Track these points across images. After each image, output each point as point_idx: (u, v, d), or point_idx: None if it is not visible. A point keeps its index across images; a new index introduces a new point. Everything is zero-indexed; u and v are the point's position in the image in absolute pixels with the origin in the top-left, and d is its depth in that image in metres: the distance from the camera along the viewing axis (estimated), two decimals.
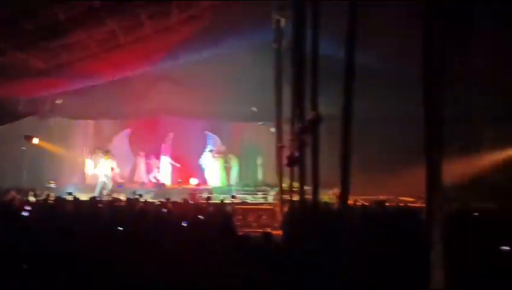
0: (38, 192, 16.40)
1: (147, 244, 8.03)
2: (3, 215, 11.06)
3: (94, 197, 14.75)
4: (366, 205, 13.60)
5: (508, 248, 6.95)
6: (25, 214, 11.44)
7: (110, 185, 18.22)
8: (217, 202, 14.94)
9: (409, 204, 14.31)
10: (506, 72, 12.99)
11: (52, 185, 18.12)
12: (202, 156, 21.13)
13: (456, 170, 15.12)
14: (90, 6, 9.94)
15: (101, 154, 19.31)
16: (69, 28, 10.87)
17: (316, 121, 7.71)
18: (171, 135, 20.67)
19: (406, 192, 15.69)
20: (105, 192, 17.56)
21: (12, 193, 14.72)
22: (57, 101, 18.05)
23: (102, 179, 18.68)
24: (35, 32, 10.64)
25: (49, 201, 13.76)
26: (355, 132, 5.53)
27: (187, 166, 20.45)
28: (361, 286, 5.66)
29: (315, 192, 8.10)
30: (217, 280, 6.17)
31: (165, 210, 12.31)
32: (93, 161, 20.01)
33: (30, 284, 6.07)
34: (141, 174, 20.56)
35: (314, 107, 7.95)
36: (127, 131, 21.50)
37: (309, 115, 8.21)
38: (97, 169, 19.25)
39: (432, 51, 3.65)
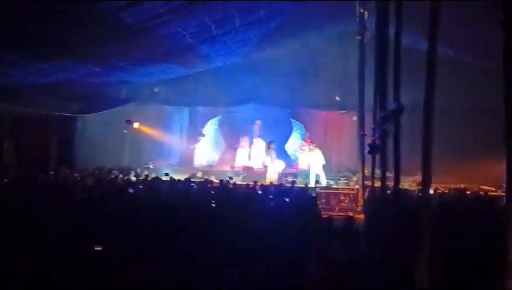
0: (138, 171, 16.59)
1: (234, 220, 8.36)
2: (110, 192, 11.49)
3: (188, 178, 14.28)
4: (446, 192, 13.05)
5: None
6: (130, 190, 11.88)
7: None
8: (302, 186, 14.40)
9: (490, 193, 13.22)
10: None
11: (151, 166, 18.22)
12: (288, 142, 20.30)
13: None
14: None
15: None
16: (163, 20, 10.21)
17: (398, 111, 6.53)
18: (259, 122, 19.97)
19: (486, 181, 14.69)
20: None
21: (115, 172, 14.99)
22: (155, 89, 18.12)
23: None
24: (135, 24, 9.87)
25: (148, 180, 13.63)
26: (436, 121, 5.18)
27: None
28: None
29: (396, 179, 7.03)
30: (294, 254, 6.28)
31: (260, 191, 12.23)
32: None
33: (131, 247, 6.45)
34: (230, 159, 20.05)
35: (396, 97, 6.96)
36: (218, 118, 21.01)
37: (391, 104, 7.32)
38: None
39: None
